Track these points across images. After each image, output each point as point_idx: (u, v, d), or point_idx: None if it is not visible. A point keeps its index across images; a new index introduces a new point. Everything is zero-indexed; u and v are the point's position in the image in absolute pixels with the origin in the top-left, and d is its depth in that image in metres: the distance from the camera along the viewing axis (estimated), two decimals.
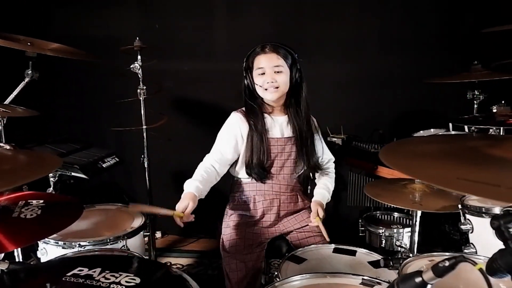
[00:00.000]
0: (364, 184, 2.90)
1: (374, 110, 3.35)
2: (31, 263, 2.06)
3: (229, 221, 2.13)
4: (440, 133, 2.70)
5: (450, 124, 2.68)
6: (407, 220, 2.71)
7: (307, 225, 2.10)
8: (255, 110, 2.05)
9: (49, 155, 1.73)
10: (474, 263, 0.85)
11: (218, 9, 3.44)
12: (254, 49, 2.03)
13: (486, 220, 1.64)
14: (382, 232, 2.55)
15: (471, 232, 1.72)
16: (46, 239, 1.96)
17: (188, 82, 3.48)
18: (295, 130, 2.08)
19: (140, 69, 2.72)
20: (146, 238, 2.80)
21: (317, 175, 2.25)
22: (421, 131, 2.85)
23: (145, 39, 2.75)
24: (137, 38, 2.68)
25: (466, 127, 2.55)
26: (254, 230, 2.08)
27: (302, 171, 2.15)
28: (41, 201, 1.41)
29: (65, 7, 3.43)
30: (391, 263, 1.58)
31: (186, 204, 1.75)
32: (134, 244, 2.08)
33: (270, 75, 1.96)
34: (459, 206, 1.74)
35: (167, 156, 3.43)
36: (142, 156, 2.87)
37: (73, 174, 2.34)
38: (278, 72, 1.97)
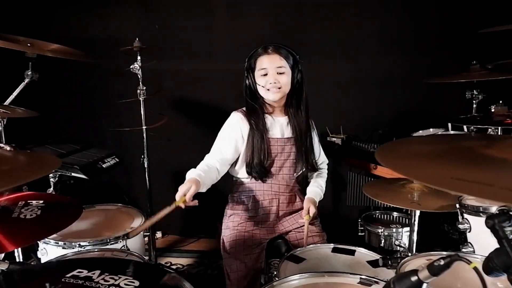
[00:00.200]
0: (364, 184, 2.90)
1: (374, 110, 3.36)
2: (32, 263, 2.07)
3: (229, 222, 2.14)
4: (438, 133, 2.71)
5: (449, 124, 2.68)
6: (406, 219, 2.72)
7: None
8: (256, 110, 2.06)
9: (48, 155, 1.74)
10: (469, 262, 0.85)
11: (218, 9, 3.44)
12: (256, 49, 2.04)
13: (484, 220, 1.64)
14: (381, 232, 2.56)
15: (469, 232, 1.73)
16: (46, 239, 1.97)
17: (188, 82, 3.49)
18: (295, 130, 2.09)
19: (140, 70, 2.73)
20: (146, 238, 2.81)
21: (310, 175, 2.27)
22: (420, 131, 2.86)
23: (145, 40, 2.76)
24: (137, 39, 2.69)
25: (465, 127, 2.55)
26: (253, 231, 2.09)
27: (301, 171, 2.16)
28: (41, 201, 1.41)
29: (65, 8, 3.43)
30: (389, 263, 1.60)
31: (188, 186, 1.70)
32: (134, 244, 2.08)
33: (273, 75, 1.98)
34: (457, 205, 1.75)
35: (167, 156, 3.43)
36: (142, 156, 2.88)
37: (73, 174, 2.35)
38: (280, 73, 1.99)
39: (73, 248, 1.94)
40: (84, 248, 1.94)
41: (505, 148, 0.90)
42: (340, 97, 3.40)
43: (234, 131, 2.05)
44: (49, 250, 1.99)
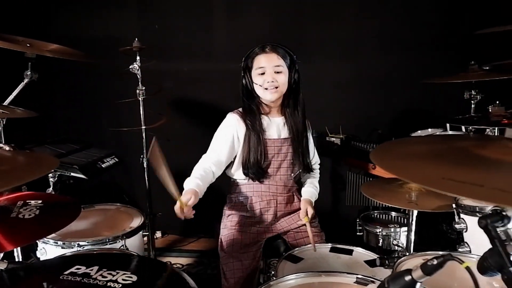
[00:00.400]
0: (362, 184, 2.91)
1: (373, 110, 3.36)
2: (31, 263, 2.08)
3: (227, 222, 2.14)
4: (437, 133, 2.71)
5: (448, 125, 2.69)
6: (404, 219, 2.72)
7: (304, 225, 2.12)
8: (252, 111, 2.05)
9: (46, 155, 1.75)
10: (461, 262, 0.86)
11: (218, 9, 3.44)
12: (253, 49, 2.03)
13: None
14: (379, 232, 2.56)
15: (465, 231, 1.73)
16: (46, 239, 1.98)
17: (187, 83, 3.49)
18: (291, 131, 2.09)
19: (139, 70, 2.73)
20: (145, 238, 2.81)
21: (303, 175, 2.27)
22: (419, 131, 2.86)
23: (145, 40, 2.76)
24: (136, 39, 2.69)
25: (463, 127, 2.56)
26: (251, 230, 2.09)
27: (298, 172, 2.16)
28: (40, 201, 1.43)
29: (64, 8, 3.44)
30: (386, 262, 1.60)
31: (188, 197, 1.74)
32: (133, 244, 2.10)
33: (271, 74, 1.97)
34: (453, 205, 1.76)
35: (167, 156, 3.42)
36: (142, 156, 2.88)
37: (72, 174, 2.36)
38: (278, 72, 1.98)
39: (72, 248, 1.95)
40: (83, 247, 1.96)
41: (499, 149, 0.91)
42: (340, 97, 3.40)
43: (229, 134, 2.04)
44: (48, 250, 2.01)
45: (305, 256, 1.82)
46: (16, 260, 2.05)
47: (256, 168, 2.03)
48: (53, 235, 2.00)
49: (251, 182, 2.10)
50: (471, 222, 1.70)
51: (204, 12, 3.43)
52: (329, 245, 1.91)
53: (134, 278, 1.26)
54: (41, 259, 2.02)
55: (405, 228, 2.45)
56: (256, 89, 2.03)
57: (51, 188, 2.30)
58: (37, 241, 2.02)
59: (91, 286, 1.21)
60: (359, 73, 3.35)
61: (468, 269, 0.85)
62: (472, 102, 2.74)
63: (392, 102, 3.35)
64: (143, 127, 2.83)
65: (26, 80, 2.33)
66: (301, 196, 2.21)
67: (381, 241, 2.55)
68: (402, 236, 2.51)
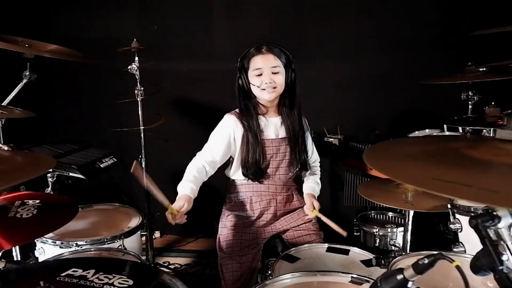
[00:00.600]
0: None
1: (371, 110, 3.36)
2: (30, 262, 2.09)
3: (226, 221, 2.15)
4: (434, 134, 2.72)
5: (445, 125, 2.70)
6: (401, 219, 2.73)
7: (303, 223, 2.14)
8: (249, 111, 2.06)
9: (43, 155, 1.76)
10: (451, 261, 0.87)
11: (217, 9, 3.45)
12: (249, 49, 2.02)
13: None
14: (376, 232, 2.57)
15: (460, 231, 1.75)
16: (44, 238, 1.99)
17: (186, 83, 3.50)
18: (288, 130, 2.09)
19: (138, 70, 2.74)
20: (144, 238, 2.82)
21: (304, 173, 2.27)
22: (416, 132, 2.87)
23: (144, 40, 2.77)
24: (134, 40, 2.70)
25: (460, 128, 2.57)
26: (250, 231, 2.10)
27: (296, 170, 2.16)
28: (37, 201, 1.43)
29: (64, 8, 3.45)
30: (382, 262, 1.62)
31: (181, 204, 1.76)
32: (131, 243, 2.10)
33: (268, 75, 1.97)
34: (448, 205, 1.77)
35: (166, 156, 3.45)
36: (140, 156, 2.89)
37: (71, 174, 2.36)
38: (275, 72, 1.98)
39: (70, 248, 1.96)
40: (81, 247, 1.96)
41: (489, 150, 0.92)
42: (338, 97, 3.40)
43: (226, 134, 2.04)
44: (46, 250, 2.01)
45: (301, 256, 1.82)
46: (15, 259, 2.06)
47: (255, 168, 2.03)
48: (51, 234, 2.02)
49: (250, 182, 2.10)
50: (466, 222, 1.71)
51: (204, 12, 3.43)
52: (326, 245, 1.91)
53: (130, 282, 1.27)
54: (39, 258, 2.03)
55: (402, 229, 2.46)
56: (253, 90, 2.03)
57: (49, 188, 2.31)
58: (35, 240, 2.04)
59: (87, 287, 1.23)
60: (357, 73, 3.35)
61: (458, 267, 0.86)
62: (470, 103, 2.75)
63: (390, 103, 3.36)
64: (142, 127, 2.84)
65: (24, 81, 2.33)
66: (300, 195, 2.22)
67: (378, 241, 2.56)
68: (398, 236, 2.52)
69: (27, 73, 2.32)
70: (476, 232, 0.89)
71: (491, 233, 0.90)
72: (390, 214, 2.82)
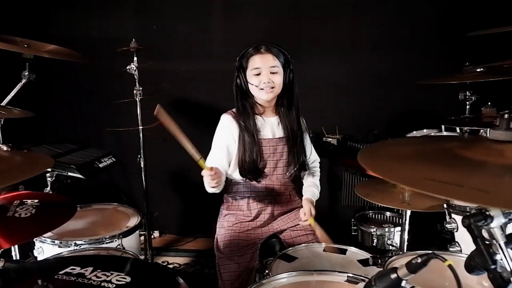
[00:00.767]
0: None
1: (369, 110, 3.37)
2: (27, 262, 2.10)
3: (224, 221, 2.15)
4: (431, 134, 2.72)
5: (443, 126, 2.70)
6: (399, 219, 2.74)
7: (300, 223, 2.14)
8: (246, 110, 2.06)
9: (41, 155, 1.76)
10: (444, 260, 0.88)
11: (216, 9, 3.46)
12: (248, 49, 2.03)
13: None
14: (374, 231, 2.58)
15: (456, 231, 1.76)
16: (43, 238, 2.00)
17: (185, 83, 3.51)
18: (286, 130, 2.10)
19: (136, 70, 2.75)
20: (142, 238, 2.83)
21: (303, 174, 2.27)
22: (414, 132, 2.87)
23: (143, 40, 2.78)
24: (133, 40, 2.71)
25: (458, 128, 2.58)
26: (248, 231, 2.10)
27: (294, 170, 2.17)
28: (36, 200, 1.44)
29: (63, 8, 3.46)
30: (379, 261, 1.62)
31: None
32: (130, 243, 2.12)
33: (267, 75, 1.98)
34: (445, 205, 1.77)
35: (164, 156, 3.45)
36: (139, 156, 2.90)
37: (70, 174, 2.38)
38: (273, 72, 1.99)
39: (69, 247, 1.97)
40: (80, 246, 1.98)
41: (482, 150, 0.93)
42: (336, 97, 3.42)
43: (225, 137, 2.05)
44: (45, 249, 2.02)
45: (299, 256, 1.83)
46: (14, 259, 2.07)
47: (252, 168, 2.04)
48: (50, 234, 2.03)
49: (247, 182, 2.11)
50: None
51: (202, 13, 3.44)
52: (323, 245, 1.92)
53: (128, 279, 1.28)
54: (38, 258, 2.04)
55: (399, 228, 2.47)
56: (251, 89, 2.04)
57: (48, 188, 2.32)
58: (34, 240, 2.05)
59: (85, 285, 1.24)
60: (355, 73, 3.36)
61: (450, 266, 0.87)
62: (468, 103, 2.75)
63: (388, 103, 3.36)
64: (140, 127, 2.85)
65: (23, 81, 2.33)
66: (298, 195, 2.23)
67: (375, 240, 2.58)
68: (396, 236, 2.53)
69: (26, 73, 2.32)
70: (468, 231, 0.90)
71: (484, 232, 0.91)
72: (388, 213, 2.83)
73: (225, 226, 2.13)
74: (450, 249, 1.75)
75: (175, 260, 3.27)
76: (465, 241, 1.72)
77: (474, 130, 2.45)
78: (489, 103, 2.25)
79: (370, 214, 2.88)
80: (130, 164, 3.16)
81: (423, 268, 0.92)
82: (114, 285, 1.24)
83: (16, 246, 2.05)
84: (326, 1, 3.33)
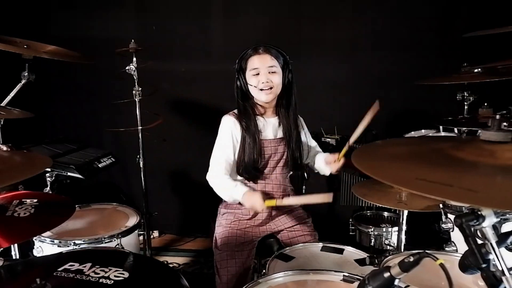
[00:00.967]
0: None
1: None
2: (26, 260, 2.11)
3: (222, 220, 2.17)
4: (429, 134, 2.73)
5: (441, 126, 2.71)
6: (396, 219, 2.75)
7: (298, 224, 2.15)
8: (247, 111, 2.08)
9: (39, 155, 1.78)
10: (436, 259, 0.89)
11: (215, 10, 3.47)
12: (246, 50, 2.05)
13: None
14: (371, 231, 2.59)
15: (452, 231, 1.77)
16: (42, 237, 2.01)
17: (184, 83, 3.52)
18: (286, 130, 2.12)
19: (135, 71, 2.76)
20: (141, 237, 2.84)
21: (311, 160, 2.29)
22: (412, 132, 2.88)
23: (143, 40, 2.78)
24: (132, 40, 2.72)
25: (455, 129, 2.59)
26: (246, 229, 2.12)
27: (292, 171, 2.19)
28: (35, 200, 1.45)
29: (62, 9, 3.47)
30: (376, 261, 1.63)
31: (258, 196, 1.89)
32: (129, 243, 2.13)
33: (265, 75, 1.99)
34: (441, 205, 1.78)
35: (164, 156, 3.46)
36: (138, 156, 2.91)
37: (69, 174, 2.39)
38: (272, 72, 2.01)
39: (68, 247, 1.98)
40: (79, 246, 1.99)
41: (474, 150, 0.94)
42: (335, 97, 3.43)
43: (229, 135, 2.06)
44: (44, 248, 2.03)
45: (296, 255, 1.84)
46: (13, 258, 2.08)
47: (250, 168, 2.06)
48: (49, 233, 2.04)
49: (246, 181, 2.12)
50: None
51: (202, 13, 3.46)
52: (320, 244, 1.93)
53: (126, 274, 1.29)
54: None
55: (397, 228, 2.48)
56: (251, 90, 2.05)
57: (48, 188, 2.32)
58: (34, 240, 2.06)
59: (83, 282, 1.25)
60: (354, 73, 3.38)
61: (441, 265, 0.88)
62: (466, 103, 2.76)
63: (387, 103, 3.32)
64: (140, 127, 2.85)
65: (23, 81, 2.34)
66: (295, 195, 2.24)
67: (373, 240, 2.58)
68: (393, 236, 2.54)
69: (26, 74, 2.33)
70: (460, 231, 0.91)
71: (476, 232, 0.92)
72: (386, 214, 2.84)
73: (223, 224, 2.14)
74: (446, 248, 1.76)
75: (174, 260, 3.28)
76: (460, 240, 1.71)
77: (472, 130, 2.46)
78: (485, 104, 2.26)
79: (368, 214, 2.89)
80: (130, 164, 3.17)
81: (415, 267, 0.93)
82: (112, 281, 1.25)
83: (16, 246, 2.06)
84: (326, 1, 3.34)
